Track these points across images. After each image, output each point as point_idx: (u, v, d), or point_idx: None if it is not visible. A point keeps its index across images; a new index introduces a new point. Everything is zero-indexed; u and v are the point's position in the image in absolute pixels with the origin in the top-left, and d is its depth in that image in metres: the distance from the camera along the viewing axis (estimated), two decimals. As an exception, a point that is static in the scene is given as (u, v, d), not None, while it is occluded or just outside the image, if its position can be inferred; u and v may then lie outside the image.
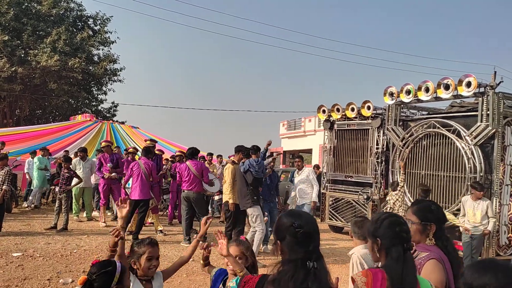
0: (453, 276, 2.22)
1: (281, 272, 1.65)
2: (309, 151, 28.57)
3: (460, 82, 7.11)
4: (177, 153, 10.52)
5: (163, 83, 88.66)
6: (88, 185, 9.80)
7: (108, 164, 9.08)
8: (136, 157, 9.72)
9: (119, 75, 25.87)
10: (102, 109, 27.38)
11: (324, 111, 10.04)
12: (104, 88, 26.72)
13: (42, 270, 5.55)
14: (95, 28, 25.25)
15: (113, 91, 30.49)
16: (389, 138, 8.56)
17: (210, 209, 11.38)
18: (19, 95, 22.18)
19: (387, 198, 7.77)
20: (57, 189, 8.77)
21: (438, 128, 7.47)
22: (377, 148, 8.89)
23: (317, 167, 12.22)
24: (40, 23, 21.78)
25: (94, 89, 26.83)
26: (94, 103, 26.90)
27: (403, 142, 8.08)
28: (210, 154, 12.05)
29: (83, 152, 9.89)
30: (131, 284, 2.47)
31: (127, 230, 7.33)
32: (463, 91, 7.07)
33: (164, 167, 10.08)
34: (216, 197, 11.07)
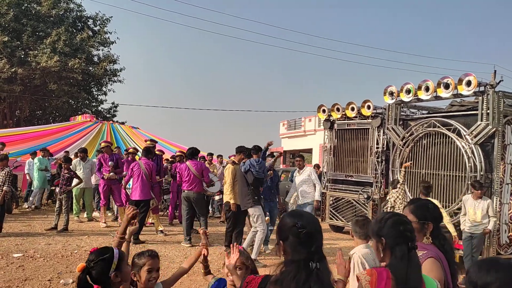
0: (450, 275, 2.23)
1: (283, 273, 1.65)
2: (309, 151, 28.57)
3: (460, 81, 7.11)
4: (177, 153, 10.52)
5: (163, 83, 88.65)
6: (88, 186, 9.81)
7: (109, 163, 9.09)
8: (137, 157, 9.73)
9: (119, 75, 25.90)
10: (102, 110, 27.39)
11: (324, 111, 10.03)
12: (104, 89, 26.74)
13: (43, 271, 5.55)
14: (95, 28, 25.25)
15: (113, 92, 30.55)
16: (389, 138, 8.56)
17: (210, 209, 11.39)
18: (19, 96, 22.19)
19: (388, 197, 7.77)
20: (57, 189, 8.78)
21: (438, 127, 7.47)
22: (377, 148, 8.89)
23: (317, 166, 12.22)
24: (40, 23, 21.77)
25: (94, 90, 26.84)
26: (94, 104, 26.91)
27: (403, 141, 8.07)
28: (210, 154, 12.06)
29: (83, 153, 9.90)
30: None
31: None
32: (463, 90, 7.06)
33: (165, 165, 10.10)
34: (217, 197, 11.07)
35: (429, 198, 5.91)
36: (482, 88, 6.94)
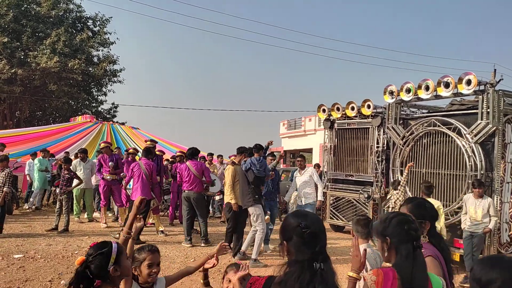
0: (447, 273, 2.24)
1: (287, 273, 1.64)
2: (309, 151, 28.56)
3: (460, 80, 7.10)
4: (178, 154, 10.52)
5: (164, 84, 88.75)
6: (88, 186, 9.80)
7: (109, 163, 9.09)
8: (137, 157, 9.73)
9: (119, 76, 25.90)
10: (102, 110, 27.41)
11: (324, 110, 10.03)
12: (104, 89, 26.75)
13: (44, 272, 5.55)
14: (95, 29, 25.25)
15: (113, 92, 30.56)
16: (390, 137, 8.55)
17: (211, 209, 11.39)
18: (19, 97, 22.19)
19: (388, 196, 7.76)
20: (57, 190, 8.78)
21: (439, 126, 7.46)
22: (377, 147, 8.89)
23: (317, 166, 12.22)
24: (39, 24, 21.78)
25: (94, 90, 26.85)
26: (94, 104, 26.93)
27: (404, 140, 8.07)
28: (211, 154, 12.06)
29: (83, 153, 9.89)
30: None
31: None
32: (463, 89, 7.05)
33: (165, 163, 10.12)
34: (217, 197, 11.07)
35: (425, 198, 5.92)
36: (482, 87, 6.93)
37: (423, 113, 8.79)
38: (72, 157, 10.51)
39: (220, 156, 12.27)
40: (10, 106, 23.25)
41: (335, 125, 9.87)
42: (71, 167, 8.92)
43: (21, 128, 19.99)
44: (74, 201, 9.53)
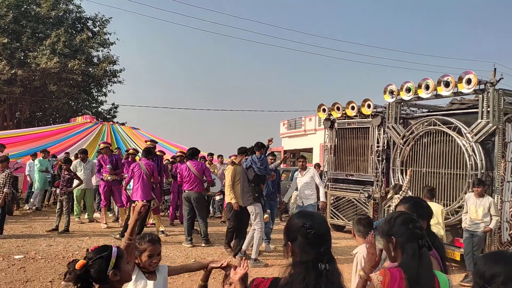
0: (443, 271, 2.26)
1: (292, 275, 1.62)
2: (309, 150, 28.57)
3: (460, 79, 7.09)
4: (178, 154, 10.53)
5: (164, 84, 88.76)
6: (89, 187, 9.80)
7: (107, 166, 9.08)
8: (137, 158, 9.73)
9: (118, 76, 25.92)
10: (102, 111, 27.42)
11: (324, 110, 10.03)
12: (104, 90, 26.76)
13: (44, 272, 5.55)
14: (94, 29, 25.26)
15: (113, 93, 30.57)
16: (390, 136, 8.55)
17: (211, 209, 11.39)
18: (19, 98, 22.20)
19: (389, 196, 7.76)
20: (58, 191, 8.78)
21: (439, 125, 7.46)
22: (377, 146, 8.89)
23: (317, 166, 12.21)
24: (39, 25, 21.79)
25: (94, 91, 26.86)
26: (94, 105, 26.94)
27: (404, 140, 8.07)
28: (211, 154, 12.06)
29: (83, 154, 9.89)
30: (134, 276, 2.49)
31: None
32: (463, 88, 7.05)
33: (165, 161, 10.12)
34: (217, 197, 11.07)
35: (428, 201, 5.92)
36: (482, 86, 6.93)
37: (423, 112, 8.79)
38: (72, 158, 10.52)
39: (220, 156, 12.27)
40: (10, 107, 23.26)
41: (335, 124, 9.86)
42: (71, 168, 8.92)
43: (21, 128, 20.01)
44: (75, 202, 9.53)
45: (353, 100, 9.31)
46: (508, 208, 6.81)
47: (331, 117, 9.93)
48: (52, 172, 11.30)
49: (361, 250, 3.03)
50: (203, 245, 7.59)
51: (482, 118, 6.80)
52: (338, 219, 9.52)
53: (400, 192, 7.01)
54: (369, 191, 8.83)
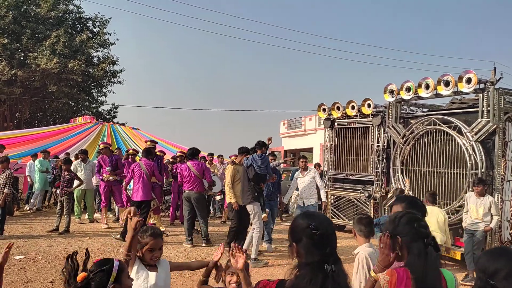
0: None
1: (298, 277, 1.61)
2: (309, 150, 28.56)
3: (460, 79, 7.09)
4: (178, 154, 10.53)
5: (165, 84, 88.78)
6: (89, 187, 9.80)
7: (107, 168, 9.08)
8: (137, 158, 9.73)
9: (118, 76, 25.93)
10: (102, 111, 27.42)
11: (324, 110, 10.02)
12: (104, 90, 26.77)
13: (45, 273, 5.55)
14: (94, 30, 25.26)
15: (113, 93, 30.57)
16: (390, 136, 8.55)
17: (211, 209, 11.39)
18: (19, 98, 22.21)
19: (389, 195, 7.76)
20: (58, 191, 8.78)
21: (439, 124, 7.45)
22: (378, 146, 8.88)
23: (318, 165, 12.22)
24: (39, 25, 21.79)
25: (94, 91, 26.87)
26: (94, 105, 26.94)
27: (404, 139, 8.06)
28: (211, 154, 12.06)
29: (83, 154, 9.89)
30: (136, 268, 2.49)
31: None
32: (463, 87, 7.05)
33: (166, 160, 10.13)
34: (218, 197, 11.07)
35: (430, 206, 5.94)
36: (482, 85, 6.92)
37: (424, 111, 8.79)
38: (73, 158, 10.52)
39: (220, 156, 12.27)
40: (10, 107, 23.27)
41: (336, 124, 9.86)
42: (71, 168, 8.92)
43: (22, 129, 20.03)
44: (75, 202, 9.52)
45: (353, 99, 9.32)
46: (508, 207, 6.80)
47: (331, 117, 9.92)
48: (54, 172, 11.30)
49: (362, 250, 3.02)
50: (203, 245, 7.59)
51: (482, 117, 6.80)
52: (338, 218, 9.51)
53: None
54: (370, 190, 8.83)
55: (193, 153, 8.04)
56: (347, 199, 9.35)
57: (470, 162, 6.83)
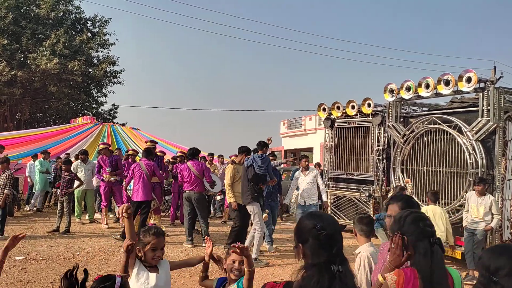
0: None
1: (305, 278, 1.59)
2: (310, 150, 28.56)
3: (460, 78, 7.09)
4: (178, 154, 10.53)
5: (165, 84, 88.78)
6: (90, 188, 9.79)
7: (107, 169, 9.07)
8: (137, 158, 9.73)
9: (118, 76, 25.94)
10: (102, 112, 27.43)
11: (324, 109, 10.02)
12: (104, 90, 26.78)
13: (45, 273, 5.55)
14: (94, 30, 25.27)
15: (113, 93, 30.57)
16: (390, 135, 8.54)
17: (212, 209, 11.39)
18: (19, 99, 22.22)
19: (390, 195, 7.74)
20: (58, 192, 8.78)
21: (439, 124, 7.45)
22: (378, 145, 8.88)
23: (318, 165, 12.22)
24: (39, 26, 21.80)
25: (94, 92, 26.87)
26: (94, 106, 26.95)
27: (404, 138, 8.06)
28: (211, 154, 12.06)
29: (84, 155, 9.89)
30: (136, 269, 2.48)
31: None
32: (464, 86, 7.04)
33: (166, 160, 10.12)
34: (218, 197, 11.07)
35: (432, 205, 5.95)
36: (482, 85, 6.92)
37: (424, 111, 8.78)
38: (73, 159, 10.52)
39: (220, 156, 12.27)
40: (10, 108, 23.28)
41: (336, 124, 9.86)
42: (72, 169, 8.92)
43: (22, 130, 20.04)
44: (76, 203, 9.52)
45: (353, 99, 9.31)
46: (509, 206, 6.80)
47: (331, 117, 9.92)
48: (55, 173, 11.31)
49: (364, 249, 3.02)
50: (204, 245, 7.57)
51: (482, 117, 6.79)
52: (339, 218, 9.50)
53: None
54: (370, 190, 8.83)
55: (193, 153, 8.04)
56: (348, 198, 9.35)
57: (471, 161, 6.83)
